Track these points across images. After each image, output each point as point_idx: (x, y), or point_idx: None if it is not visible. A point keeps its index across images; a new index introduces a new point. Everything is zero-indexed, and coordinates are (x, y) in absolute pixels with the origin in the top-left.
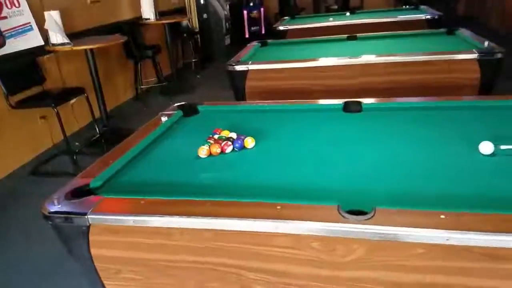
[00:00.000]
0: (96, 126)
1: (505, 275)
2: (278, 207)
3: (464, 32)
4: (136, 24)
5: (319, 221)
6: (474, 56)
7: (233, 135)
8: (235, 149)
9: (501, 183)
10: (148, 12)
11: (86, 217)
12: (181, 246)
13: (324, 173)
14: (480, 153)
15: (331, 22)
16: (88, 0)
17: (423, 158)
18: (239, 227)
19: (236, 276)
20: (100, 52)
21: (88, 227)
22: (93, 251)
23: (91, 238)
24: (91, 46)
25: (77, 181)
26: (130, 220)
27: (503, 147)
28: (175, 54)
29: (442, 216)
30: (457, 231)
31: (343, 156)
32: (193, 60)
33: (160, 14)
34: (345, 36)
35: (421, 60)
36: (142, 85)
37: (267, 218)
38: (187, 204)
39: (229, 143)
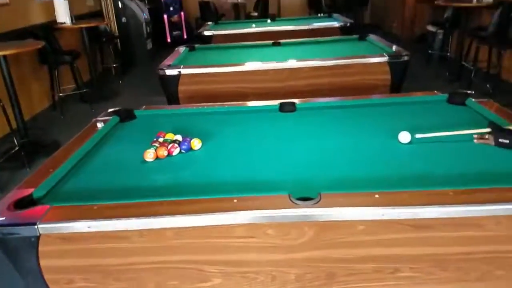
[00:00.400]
0: (14, 138)
1: (430, 242)
2: (235, 200)
3: (374, 38)
4: (50, 28)
5: (273, 209)
6: (385, 59)
7: (179, 138)
8: (182, 151)
9: (420, 165)
10: (63, 15)
11: (35, 227)
12: (139, 248)
13: (272, 167)
14: (400, 141)
15: (254, 28)
16: None
17: (354, 148)
18: (199, 223)
19: (195, 271)
20: (12, 58)
21: (38, 237)
22: (43, 262)
23: (40, 249)
24: (4, 52)
25: (18, 192)
26: (85, 226)
27: (418, 135)
28: (94, 59)
29: (377, 196)
30: (390, 207)
31: (286, 150)
32: (114, 65)
33: (76, 18)
34: (270, 42)
35: (340, 63)
36: (59, 93)
37: (226, 211)
38: (144, 206)
39: (176, 145)
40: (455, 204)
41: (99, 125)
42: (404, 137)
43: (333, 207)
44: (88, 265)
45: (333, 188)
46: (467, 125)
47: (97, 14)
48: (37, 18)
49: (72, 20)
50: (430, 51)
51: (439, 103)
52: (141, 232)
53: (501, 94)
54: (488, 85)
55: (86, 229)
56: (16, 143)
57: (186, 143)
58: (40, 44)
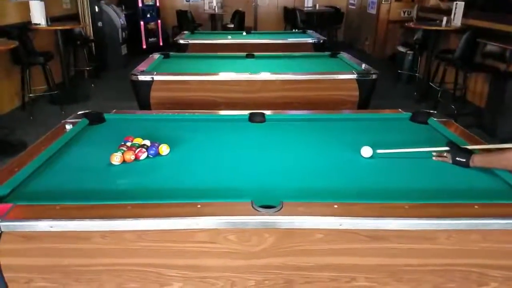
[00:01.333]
0: None
1: (385, 253)
2: (199, 206)
3: (345, 56)
4: (25, 29)
5: (235, 215)
6: (353, 76)
7: (147, 142)
8: (150, 155)
9: (379, 179)
10: (38, 17)
11: None
12: (100, 249)
13: (237, 175)
14: (362, 156)
15: (230, 40)
16: None
17: (318, 160)
18: (162, 227)
19: (156, 275)
20: None
21: None
22: (3, 260)
23: (1, 246)
24: None
25: None
26: (47, 225)
27: (379, 151)
28: (68, 62)
29: (335, 206)
30: (348, 217)
31: (253, 159)
32: (87, 68)
33: (52, 19)
34: (244, 54)
35: (310, 78)
36: (30, 93)
37: (188, 216)
38: (108, 208)
39: (144, 150)
40: (409, 217)
41: (68, 126)
42: (366, 151)
43: (293, 215)
44: (48, 265)
45: (295, 197)
46: (428, 143)
47: (73, 17)
48: (12, 18)
49: (47, 21)
50: (399, 71)
51: (402, 121)
52: (103, 234)
53: (465, 115)
54: (453, 106)
55: (48, 229)
56: None
57: (154, 148)
58: (14, 44)
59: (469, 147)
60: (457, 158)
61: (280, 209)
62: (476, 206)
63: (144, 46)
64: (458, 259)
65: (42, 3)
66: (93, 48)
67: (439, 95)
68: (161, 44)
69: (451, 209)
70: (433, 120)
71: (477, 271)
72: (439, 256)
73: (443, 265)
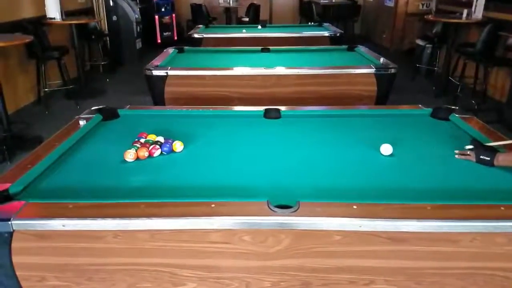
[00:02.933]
0: None
1: (405, 256)
2: (213, 205)
3: (362, 49)
4: (40, 23)
5: (251, 216)
6: (371, 70)
7: (161, 139)
8: (164, 152)
9: (400, 178)
10: (53, 11)
11: (9, 223)
12: (113, 248)
13: (253, 173)
14: (381, 153)
15: (244, 33)
16: None
17: (336, 158)
18: (175, 226)
19: (170, 275)
20: None
21: (11, 233)
22: (16, 259)
23: (13, 245)
24: None
25: None
26: (60, 224)
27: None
28: (82, 56)
29: (355, 207)
30: (367, 218)
31: (268, 157)
32: (102, 62)
33: (66, 14)
34: (259, 48)
35: (327, 73)
36: (45, 88)
37: (203, 216)
38: (120, 207)
39: (157, 146)
40: (432, 218)
41: (81, 122)
42: (386, 149)
43: (310, 217)
44: (61, 263)
45: (312, 197)
46: (449, 140)
47: (88, 11)
48: (27, 12)
49: (62, 16)
50: (418, 65)
51: (423, 117)
52: (115, 233)
53: (485, 110)
54: (473, 101)
55: (60, 227)
56: None
57: (167, 145)
58: (28, 38)
59: (493, 143)
60: (481, 157)
61: (297, 209)
62: (502, 208)
63: (159, 41)
64: (482, 262)
65: None
66: (108, 42)
67: (458, 90)
68: (175, 38)
69: (476, 210)
70: (455, 117)
71: (502, 275)
72: (462, 259)
73: (466, 269)
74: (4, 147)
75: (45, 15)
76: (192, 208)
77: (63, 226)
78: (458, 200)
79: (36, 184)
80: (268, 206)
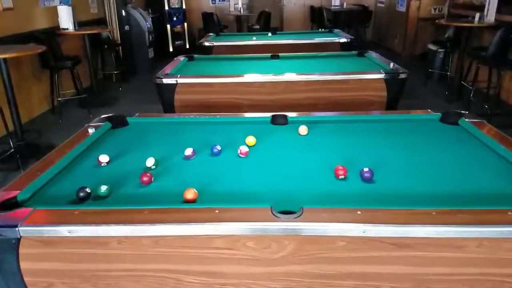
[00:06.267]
0: (10, 140)
1: (411, 262)
2: (216, 211)
3: (372, 55)
4: (53, 33)
5: (254, 221)
6: (381, 76)
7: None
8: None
9: (405, 183)
10: (66, 22)
11: (16, 229)
12: (118, 255)
13: (257, 179)
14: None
15: (255, 41)
16: (0, 7)
17: (342, 163)
18: (179, 232)
19: (175, 281)
20: (13, 61)
21: (19, 239)
22: (23, 265)
23: (21, 251)
24: (4, 56)
25: (3, 194)
26: (65, 230)
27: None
28: (95, 66)
29: (359, 212)
30: (371, 224)
31: (273, 163)
32: (115, 72)
33: (79, 24)
34: (268, 55)
35: (336, 79)
36: (59, 97)
37: (207, 222)
38: (124, 213)
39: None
40: (437, 224)
41: (91, 130)
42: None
43: (314, 222)
44: (67, 269)
45: (316, 203)
46: (457, 145)
47: (101, 21)
48: (40, 23)
49: (75, 26)
50: (430, 70)
51: (432, 122)
52: (119, 239)
53: (499, 115)
54: (486, 106)
55: (66, 234)
56: (12, 145)
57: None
58: (41, 48)
59: None
60: None
61: (300, 215)
62: (509, 213)
63: (171, 49)
64: (489, 268)
65: (70, 8)
66: (120, 52)
67: (471, 95)
68: (187, 46)
69: (483, 215)
70: (464, 121)
71: (510, 282)
72: (469, 265)
73: (473, 275)
74: (18, 155)
75: (59, 26)
76: (196, 214)
77: (69, 232)
78: (465, 205)
79: (44, 191)
80: (272, 212)
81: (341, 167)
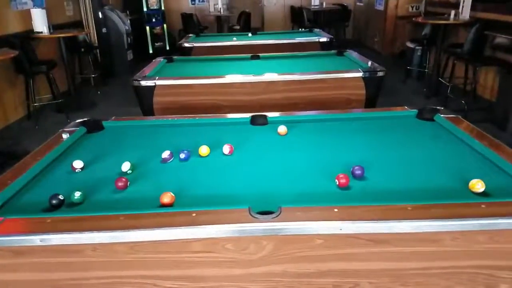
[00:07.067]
0: None
1: (388, 257)
2: (193, 214)
3: (351, 54)
4: (27, 37)
5: (232, 223)
6: (359, 74)
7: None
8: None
9: (381, 179)
10: (40, 25)
11: None
12: (93, 262)
13: (236, 180)
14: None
15: (235, 41)
16: None
17: (319, 162)
18: (156, 237)
19: (152, 286)
20: None
21: None
22: None
23: None
24: None
25: None
26: (37, 239)
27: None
28: (72, 69)
29: (336, 210)
30: (348, 221)
31: (252, 164)
32: (93, 75)
33: (54, 27)
34: (249, 55)
35: (315, 78)
36: (35, 103)
37: (184, 225)
38: (98, 219)
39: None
40: (412, 219)
41: (65, 136)
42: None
43: (292, 221)
44: (39, 279)
45: (294, 202)
46: (434, 140)
47: (77, 24)
48: (14, 27)
49: (50, 29)
50: (409, 67)
51: (408, 119)
52: (94, 246)
53: (476, 110)
54: (463, 101)
55: (38, 243)
56: None
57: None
58: (14, 53)
59: None
60: None
61: (278, 215)
62: (483, 206)
63: (151, 51)
64: (464, 261)
65: (44, 11)
66: (98, 54)
67: (448, 91)
68: (167, 48)
69: (456, 209)
70: (439, 117)
71: (485, 273)
72: (445, 259)
73: (449, 268)
74: None
75: (33, 29)
76: (173, 218)
77: (41, 241)
78: (439, 199)
79: (15, 200)
80: (250, 213)
81: (342, 175)
